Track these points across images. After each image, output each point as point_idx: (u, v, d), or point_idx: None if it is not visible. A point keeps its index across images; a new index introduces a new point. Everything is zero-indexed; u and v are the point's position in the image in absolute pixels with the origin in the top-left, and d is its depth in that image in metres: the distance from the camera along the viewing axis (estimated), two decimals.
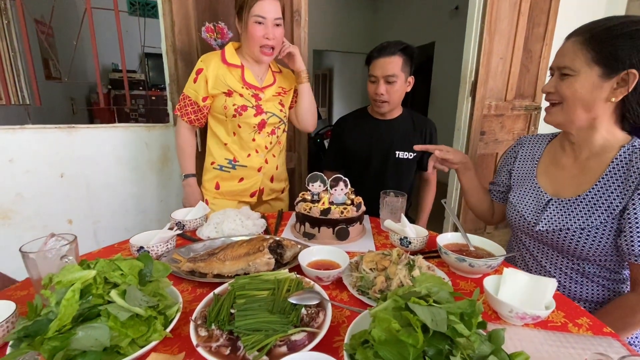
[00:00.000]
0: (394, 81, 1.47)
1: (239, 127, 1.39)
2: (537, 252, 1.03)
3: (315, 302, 0.66)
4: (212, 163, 1.45)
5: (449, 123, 2.72)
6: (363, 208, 1.16)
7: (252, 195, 1.50)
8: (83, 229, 1.71)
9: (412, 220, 1.72)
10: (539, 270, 1.02)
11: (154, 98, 5.56)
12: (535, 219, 0.99)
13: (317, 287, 0.74)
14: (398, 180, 1.62)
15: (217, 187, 1.47)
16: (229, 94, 1.34)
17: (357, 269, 0.85)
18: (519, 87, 2.60)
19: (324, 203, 1.13)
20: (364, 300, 0.75)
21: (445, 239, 1.00)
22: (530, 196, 1.04)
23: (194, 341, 0.58)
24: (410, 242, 1.01)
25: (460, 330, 0.50)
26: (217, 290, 0.72)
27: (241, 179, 1.46)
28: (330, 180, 1.17)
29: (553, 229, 0.94)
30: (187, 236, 1.12)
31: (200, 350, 0.56)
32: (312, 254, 0.91)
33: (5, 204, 1.54)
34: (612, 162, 0.88)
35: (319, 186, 1.20)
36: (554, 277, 0.97)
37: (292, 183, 2.14)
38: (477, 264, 0.84)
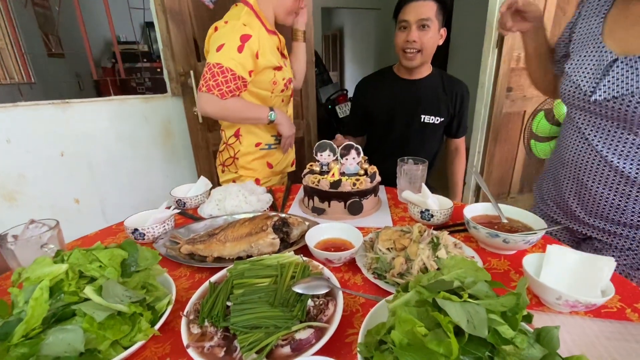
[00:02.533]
0: (428, 27, 1.25)
1: (282, 101, 1.30)
2: (590, 131, 0.86)
3: (323, 291, 0.57)
4: (258, 144, 1.31)
5: (471, 79, 2.47)
6: (378, 178, 1.04)
7: (292, 164, 1.49)
8: (91, 208, 1.68)
9: (433, 189, 1.60)
10: (591, 156, 0.87)
11: (159, 70, 5.40)
12: (593, 86, 0.82)
13: (327, 272, 0.65)
14: (422, 147, 1.46)
15: (270, 166, 1.37)
16: (279, 67, 1.20)
17: (372, 249, 0.75)
18: (553, 34, 2.28)
19: (333, 174, 1.01)
20: (380, 285, 0.65)
21: (474, 210, 0.88)
22: (591, 60, 0.84)
23: (185, 341, 0.50)
24: (432, 215, 0.89)
25: (504, 333, 0.39)
26: (213, 278, 0.64)
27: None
28: (340, 148, 1.05)
29: (614, 95, 0.77)
30: (188, 214, 1.04)
31: (190, 352, 0.48)
32: (321, 232, 0.81)
33: (9, 185, 1.50)
34: None
35: (329, 155, 1.08)
36: (608, 158, 0.83)
37: (300, 153, 2.03)
38: (512, 239, 0.72)
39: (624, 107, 0.76)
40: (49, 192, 1.59)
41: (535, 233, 0.74)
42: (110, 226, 1.00)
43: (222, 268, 0.69)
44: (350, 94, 5.70)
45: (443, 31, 1.32)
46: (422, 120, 1.41)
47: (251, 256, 0.77)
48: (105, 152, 1.65)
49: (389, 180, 1.19)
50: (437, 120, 1.41)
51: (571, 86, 0.88)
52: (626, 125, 0.79)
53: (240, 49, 1.07)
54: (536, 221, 0.80)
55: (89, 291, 0.49)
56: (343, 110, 4.48)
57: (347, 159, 1.04)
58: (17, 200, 1.54)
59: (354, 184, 0.97)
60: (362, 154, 1.05)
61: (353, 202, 0.97)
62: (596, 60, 0.83)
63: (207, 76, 1.08)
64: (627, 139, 0.80)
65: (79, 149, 1.59)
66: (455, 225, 0.93)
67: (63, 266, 0.51)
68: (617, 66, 0.78)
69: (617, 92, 0.77)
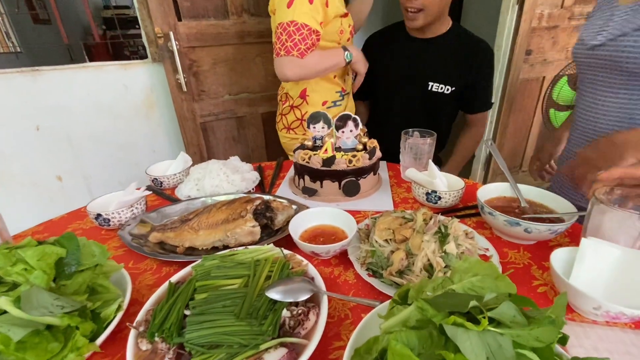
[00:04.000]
0: None
1: None
2: (593, 86, 0.81)
3: (304, 296, 0.47)
4: (324, 103, 1.20)
5: (487, 41, 2.24)
6: (378, 154, 0.90)
7: None
8: (75, 186, 1.59)
9: (441, 163, 1.44)
10: (592, 113, 0.81)
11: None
12: (594, 36, 0.77)
13: (312, 270, 0.54)
14: (428, 119, 1.26)
15: None
16: (345, 14, 1.09)
17: (368, 239, 0.63)
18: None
19: (326, 150, 0.88)
20: (374, 284, 0.55)
21: (488, 192, 0.75)
22: (601, 18, 0.79)
23: None
24: (440, 198, 0.77)
25: None
26: (175, 278, 0.54)
27: (345, 107, 1.27)
28: (335, 119, 0.91)
29: (613, 37, 0.73)
30: (164, 195, 0.93)
31: None
32: (309, 219, 0.70)
33: None
34: None
35: (322, 128, 0.95)
36: (611, 112, 0.78)
37: None
38: (536, 229, 0.60)
39: (620, 50, 0.72)
40: (29, 169, 1.49)
41: (562, 221, 0.61)
42: (78, 209, 0.89)
43: (191, 262, 0.59)
44: None
45: None
46: (429, 88, 1.21)
47: (228, 246, 0.67)
48: (85, 125, 1.52)
49: (393, 158, 1.05)
50: (448, 89, 1.20)
51: (578, 43, 0.83)
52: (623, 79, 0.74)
53: (311, 1, 0.96)
54: (562, 205, 0.68)
55: (4, 302, 0.39)
56: None
57: (343, 132, 0.91)
58: None
59: (350, 161, 0.84)
60: (360, 126, 0.91)
61: (349, 182, 0.85)
62: (604, 17, 0.77)
63: (282, 38, 0.98)
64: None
65: (56, 122, 1.47)
66: (467, 208, 0.81)
67: None
68: (619, 10, 0.74)
69: (613, 34, 0.73)
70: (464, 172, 1.14)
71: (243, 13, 1.50)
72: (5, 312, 0.40)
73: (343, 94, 1.23)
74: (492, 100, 1.28)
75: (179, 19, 1.40)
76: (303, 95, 1.17)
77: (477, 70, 1.18)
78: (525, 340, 0.30)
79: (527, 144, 2.44)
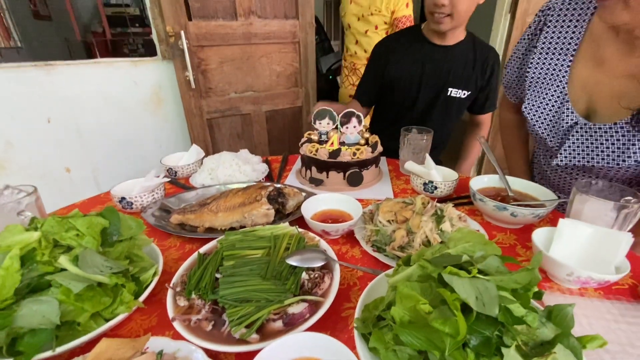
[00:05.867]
0: None
1: None
2: (555, 178, 0.85)
3: (319, 263, 0.54)
4: None
5: None
6: (380, 148, 0.98)
7: None
8: (83, 177, 1.63)
9: (438, 161, 1.51)
10: (557, 183, 0.87)
11: (152, 36, 5.15)
12: (557, 146, 0.77)
13: (323, 244, 0.61)
14: (443, 123, 1.30)
15: None
16: None
17: (372, 221, 0.71)
18: None
19: (332, 143, 0.95)
20: (379, 258, 0.62)
21: (480, 182, 0.83)
22: (552, 111, 0.76)
23: (170, 314, 0.47)
24: (436, 187, 0.85)
25: (515, 313, 0.36)
26: (202, 249, 0.60)
27: None
28: (340, 116, 0.98)
29: (574, 163, 0.74)
30: (179, 183, 1.00)
31: (176, 325, 0.45)
32: (319, 203, 0.77)
33: None
34: None
35: (328, 124, 1.02)
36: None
37: (299, 124, 1.95)
38: (521, 212, 0.68)
39: (582, 172, 0.75)
40: (39, 160, 1.54)
41: (545, 206, 0.69)
42: (98, 195, 0.95)
43: (213, 239, 0.65)
44: None
45: None
46: (448, 93, 1.24)
47: (244, 227, 0.73)
48: (94, 118, 1.57)
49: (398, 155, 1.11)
50: (464, 94, 1.24)
51: (536, 135, 0.82)
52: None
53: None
54: (546, 194, 0.76)
55: (63, 261, 0.45)
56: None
57: (347, 128, 0.98)
58: (6, 169, 1.49)
59: (354, 154, 0.92)
60: (363, 123, 0.98)
61: (353, 173, 0.92)
62: (557, 114, 0.75)
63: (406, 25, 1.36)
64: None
65: (67, 115, 1.51)
66: (460, 198, 0.89)
67: (35, 234, 0.47)
68: (577, 132, 0.72)
69: (578, 160, 0.73)
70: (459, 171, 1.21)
71: (250, 15, 1.57)
72: (63, 270, 0.46)
73: None
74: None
75: (190, 19, 1.46)
76: None
77: (490, 74, 1.23)
78: (506, 283, 0.37)
79: None
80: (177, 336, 0.45)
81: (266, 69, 1.71)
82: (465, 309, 0.36)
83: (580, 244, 0.58)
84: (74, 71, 1.48)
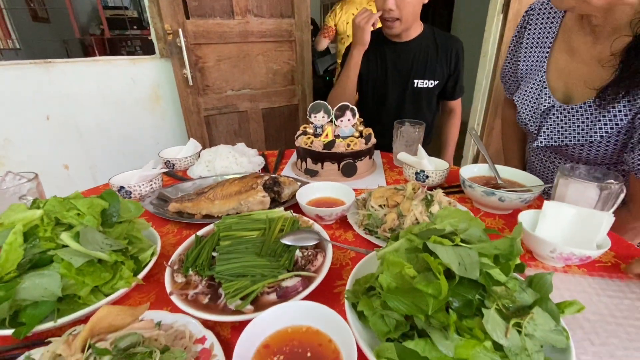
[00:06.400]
0: None
1: None
2: (540, 166, 0.92)
3: (312, 243, 0.56)
4: None
5: (474, 48, 2.39)
6: (373, 140, 1.00)
7: None
8: (81, 174, 1.64)
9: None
10: (543, 172, 0.92)
11: (149, 38, 5.19)
12: (536, 130, 0.85)
13: (317, 227, 0.63)
14: (416, 113, 1.37)
15: None
16: None
17: (365, 207, 0.73)
18: None
19: (327, 135, 0.98)
20: (371, 240, 0.64)
21: (470, 171, 0.86)
22: (534, 99, 0.85)
23: (168, 288, 0.49)
24: (427, 176, 0.87)
25: (495, 276, 0.38)
26: (200, 232, 0.62)
27: None
28: (335, 109, 1.01)
29: (552, 144, 0.81)
30: (177, 175, 1.01)
31: (173, 298, 0.47)
32: (313, 190, 0.79)
33: None
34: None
35: (323, 117, 1.04)
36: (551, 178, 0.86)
37: (295, 122, 1.98)
38: (508, 197, 0.70)
39: (560, 151, 0.81)
40: (37, 157, 1.55)
41: (531, 191, 0.72)
42: (97, 186, 0.97)
43: (209, 224, 0.67)
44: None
45: None
46: (415, 85, 1.32)
47: (240, 214, 0.75)
48: (92, 116, 1.59)
49: (384, 146, 1.16)
50: (432, 83, 1.32)
51: (521, 122, 0.89)
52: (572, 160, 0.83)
53: None
54: (533, 181, 0.79)
55: (65, 237, 0.47)
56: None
57: (341, 121, 1.00)
58: (4, 165, 1.51)
59: (348, 145, 0.94)
60: (357, 116, 1.01)
61: (347, 164, 0.95)
62: (537, 100, 0.84)
63: None
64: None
65: (65, 112, 1.53)
66: (450, 187, 0.91)
67: (37, 212, 0.48)
68: (554, 113, 0.80)
69: (555, 140, 0.80)
70: (454, 163, 1.24)
71: (247, 14, 1.60)
72: (65, 246, 0.48)
73: None
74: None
75: (187, 17, 1.48)
76: None
77: (455, 61, 1.31)
78: (487, 250, 0.39)
79: None
80: (175, 311, 0.46)
81: (263, 67, 1.74)
82: (449, 276, 0.38)
83: (565, 224, 0.60)
84: (73, 69, 1.50)
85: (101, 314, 0.37)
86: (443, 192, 0.72)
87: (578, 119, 0.76)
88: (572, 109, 0.77)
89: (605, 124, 0.72)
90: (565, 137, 0.78)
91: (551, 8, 0.84)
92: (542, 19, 0.85)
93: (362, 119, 1.08)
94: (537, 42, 0.86)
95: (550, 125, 0.81)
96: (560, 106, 0.79)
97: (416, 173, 0.88)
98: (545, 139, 0.82)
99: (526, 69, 0.89)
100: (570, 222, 0.60)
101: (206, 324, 0.45)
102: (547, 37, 0.84)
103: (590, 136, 0.74)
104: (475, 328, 0.36)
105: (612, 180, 0.62)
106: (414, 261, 0.42)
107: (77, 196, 0.55)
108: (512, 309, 0.39)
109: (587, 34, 0.76)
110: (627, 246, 0.64)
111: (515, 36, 0.93)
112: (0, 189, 0.62)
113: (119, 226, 0.57)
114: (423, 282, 0.36)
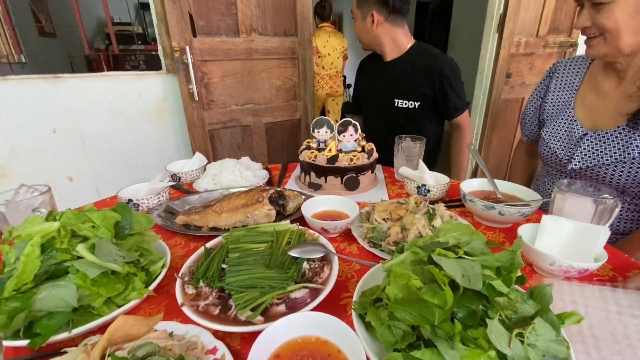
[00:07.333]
0: (353, 18, 1.32)
1: None
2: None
3: (318, 255, 0.57)
4: None
5: (471, 65, 2.45)
6: (375, 155, 1.03)
7: None
8: (85, 186, 1.66)
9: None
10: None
11: (154, 52, 5.28)
12: (568, 156, 0.90)
13: (322, 239, 0.64)
14: (403, 132, 1.29)
15: None
16: None
17: (368, 220, 0.75)
18: (554, 20, 2.27)
19: (330, 150, 1.00)
20: (376, 253, 0.66)
21: (470, 185, 0.88)
22: (564, 131, 0.92)
23: (179, 300, 0.50)
24: (429, 190, 0.89)
25: (498, 288, 0.39)
26: (209, 244, 0.64)
27: None
28: (337, 125, 1.04)
29: (587, 165, 0.85)
30: (183, 188, 1.03)
31: (185, 309, 0.48)
32: (318, 204, 0.81)
33: (0, 161, 1.48)
34: None
35: (326, 132, 1.07)
36: None
37: (297, 136, 2.01)
38: (508, 211, 0.73)
39: (594, 174, 0.85)
40: (42, 169, 1.57)
41: (530, 206, 0.74)
42: (104, 199, 0.98)
43: (217, 236, 0.68)
44: (349, 81, 5.56)
45: (374, 15, 1.26)
46: (395, 104, 1.35)
47: (247, 226, 0.77)
48: (98, 129, 1.62)
49: (379, 161, 1.18)
50: (412, 104, 1.32)
51: (548, 152, 0.96)
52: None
53: None
54: (531, 195, 0.81)
55: (81, 249, 0.49)
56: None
57: (344, 136, 1.03)
58: (8, 177, 1.52)
59: (351, 160, 0.96)
60: (359, 131, 1.04)
61: (350, 178, 0.97)
62: (569, 132, 0.91)
63: None
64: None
65: (72, 125, 1.56)
66: (451, 201, 0.93)
67: (55, 224, 0.50)
68: (587, 139, 0.86)
69: (590, 162, 0.85)
70: (454, 178, 1.25)
71: (252, 32, 1.65)
72: (80, 257, 0.49)
73: None
74: (467, 101, 1.36)
75: (194, 35, 1.53)
76: None
77: (440, 83, 1.27)
78: (490, 262, 0.41)
79: (510, 158, 2.61)
80: (185, 322, 0.48)
81: (266, 82, 1.78)
82: (453, 287, 0.40)
83: (562, 238, 0.62)
84: (81, 83, 1.54)
85: (118, 324, 0.39)
86: (444, 206, 0.75)
87: (613, 141, 0.81)
88: (606, 133, 0.83)
89: None
90: (601, 158, 0.82)
91: (576, 62, 0.96)
92: (568, 70, 0.97)
93: (364, 134, 1.11)
94: (565, 87, 0.96)
95: (584, 149, 0.86)
96: (594, 132, 0.85)
97: (418, 187, 0.91)
98: (579, 161, 0.86)
99: (553, 109, 0.98)
100: (568, 235, 0.62)
101: (216, 334, 0.46)
102: (573, 82, 0.95)
103: (627, 155, 0.78)
104: (480, 338, 0.37)
105: (607, 195, 0.65)
106: (420, 273, 0.43)
107: (91, 209, 0.57)
108: (515, 319, 0.41)
109: (612, 77, 0.86)
110: (623, 259, 0.66)
111: (541, 83, 1.04)
112: (15, 201, 0.64)
113: (131, 238, 0.58)
114: (429, 293, 0.38)
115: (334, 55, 3.11)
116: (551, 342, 0.39)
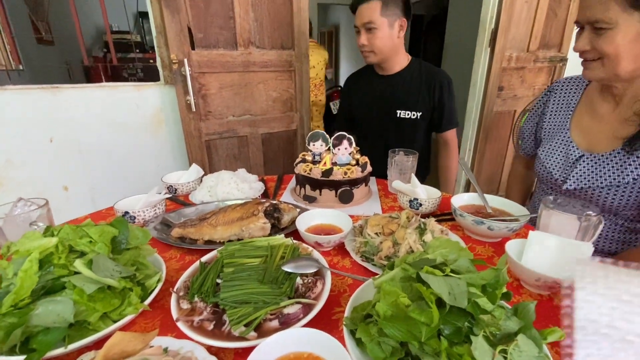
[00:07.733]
0: (373, 28, 1.28)
1: None
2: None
3: (312, 270, 0.59)
4: None
5: (464, 78, 2.51)
6: (369, 169, 1.05)
7: None
8: (80, 196, 1.66)
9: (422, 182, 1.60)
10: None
11: (152, 61, 5.34)
12: (564, 177, 0.91)
13: (316, 254, 0.66)
14: (401, 142, 1.38)
15: None
16: None
17: (361, 234, 0.76)
18: (544, 35, 2.34)
19: (325, 163, 1.02)
20: (368, 267, 0.67)
21: (461, 200, 0.90)
22: (560, 151, 0.94)
23: (174, 315, 0.51)
24: (420, 204, 0.91)
25: (482, 305, 0.41)
26: (204, 259, 0.65)
27: None
28: (332, 138, 1.06)
29: (582, 187, 0.86)
30: (179, 200, 1.04)
31: (180, 325, 0.49)
32: (312, 217, 0.82)
33: None
34: None
35: (321, 145, 1.09)
36: None
37: (293, 146, 2.03)
38: (497, 226, 0.75)
39: (589, 195, 0.87)
40: (38, 178, 1.57)
41: (518, 221, 0.76)
42: (100, 210, 0.99)
43: (212, 250, 0.70)
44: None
45: (401, 23, 1.30)
46: (397, 115, 1.40)
47: (242, 240, 0.78)
48: (95, 139, 1.63)
49: (372, 173, 1.20)
50: (415, 115, 1.38)
51: (544, 171, 0.98)
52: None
53: None
54: (520, 211, 0.83)
55: (79, 264, 0.50)
56: (337, 106, 4.51)
57: (339, 149, 1.06)
58: (3, 186, 1.52)
59: (345, 173, 0.98)
60: (354, 145, 1.06)
61: (344, 191, 0.99)
62: (565, 153, 0.93)
63: None
64: None
65: (69, 135, 1.57)
66: (443, 214, 0.95)
67: (53, 239, 0.51)
68: (583, 161, 0.88)
69: (585, 184, 0.86)
70: (447, 192, 1.29)
71: (250, 45, 1.68)
72: (77, 273, 0.50)
73: None
74: (458, 121, 1.45)
75: (193, 48, 1.56)
76: None
77: (439, 94, 1.37)
78: (475, 280, 0.42)
79: (502, 170, 2.65)
80: (179, 337, 0.48)
81: (263, 94, 1.81)
82: (440, 304, 0.41)
83: (549, 253, 0.64)
84: (79, 94, 1.55)
85: (115, 340, 0.40)
86: (435, 220, 0.77)
87: (608, 164, 0.83)
88: (602, 156, 0.84)
89: (636, 168, 0.78)
90: (596, 181, 0.84)
91: (573, 82, 0.98)
92: (566, 90, 0.99)
93: (358, 148, 1.13)
94: (562, 107, 0.98)
95: (580, 170, 0.87)
96: (591, 154, 0.87)
97: (410, 201, 0.93)
98: (574, 182, 0.87)
99: (550, 129, 1.00)
100: (554, 251, 0.64)
101: (210, 350, 0.47)
102: (570, 102, 0.97)
103: (622, 179, 0.79)
104: (465, 354, 0.39)
105: (591, 212, 0.67)
106: (408, 290, 0.45)
107: (88, 224, 0.58)
108: (499, 336, 0.42)
109: (608, 101, 0.87)
110: None
111: (539, 102, 1.07)
112: (12, 215, 0.65)
113: (128, 252, 0.59)
114: (416, 311, 0.40)
115: (318, 67, 3.23)
116: (533, 359, 0.40)
